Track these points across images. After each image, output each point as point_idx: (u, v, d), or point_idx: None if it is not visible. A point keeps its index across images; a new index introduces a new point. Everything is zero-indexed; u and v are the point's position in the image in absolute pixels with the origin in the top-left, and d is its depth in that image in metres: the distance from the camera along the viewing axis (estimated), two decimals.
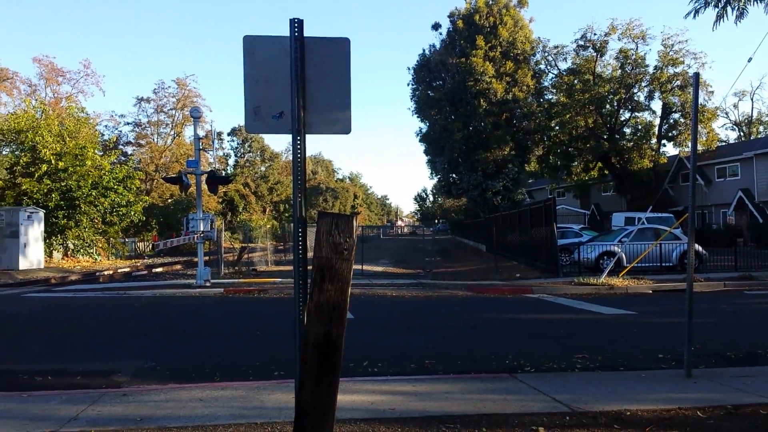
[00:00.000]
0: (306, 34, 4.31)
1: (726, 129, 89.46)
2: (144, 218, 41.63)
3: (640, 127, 44.19)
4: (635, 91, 43.44)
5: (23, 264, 26.63)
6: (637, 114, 44.57)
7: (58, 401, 5.67)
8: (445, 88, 43.45)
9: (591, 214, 49.50)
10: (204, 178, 19.37)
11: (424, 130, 47.34)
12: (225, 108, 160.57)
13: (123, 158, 49.07)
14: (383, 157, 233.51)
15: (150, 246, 44.02)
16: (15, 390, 6.13)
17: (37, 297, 16.86)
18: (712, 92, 45.60)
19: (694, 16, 12.70)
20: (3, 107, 46.14)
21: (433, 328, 10.81)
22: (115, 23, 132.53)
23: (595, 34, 43.14)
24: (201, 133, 20.23)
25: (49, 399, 5.76)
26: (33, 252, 27.82)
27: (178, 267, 32.72)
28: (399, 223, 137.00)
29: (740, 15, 12.14)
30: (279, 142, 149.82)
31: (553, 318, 12.00)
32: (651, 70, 42.65)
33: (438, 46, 45.63)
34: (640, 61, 42.69)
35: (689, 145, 39.67)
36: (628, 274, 18.64)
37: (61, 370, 7.19)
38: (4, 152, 34.52)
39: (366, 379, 6.56)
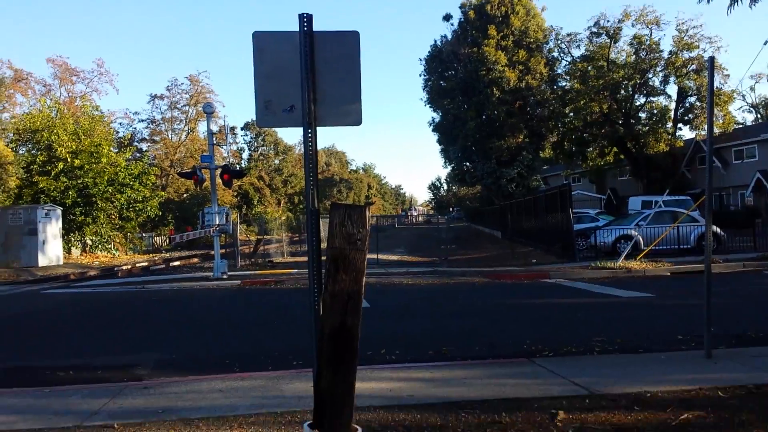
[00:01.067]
0: (315, 27, 4.32)
1: (743, 111, 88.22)
2: (160, 213, 42.01)
3: (655, 111, 43.75)
4: (650, 76, 43.00)
5: (42, 261, 26.99)
6: (652, 99, 44.12)
7: (80, 396, 5.74)
8: (457, 78, 43.25)
9: (607, 198, 49.14)
10: (218, 172, 19.47)
11: (436, 120, 47.22)
12: (238, 103, 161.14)
13: (138, 155, 49.42)
14: (396, 147, 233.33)
15: (167, 240, 44.38)
16: (38, 385, 6.22)
17: (56, 293, 17.08)
18: (728, 75, 45.09)
19: (708, 1, 12.50)
20: (19, 107, 46.62)
21: (450, 315, 10.81)
22: (128, 22, 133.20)
23: (608, 21, 42.71)
24: (214, 128, 20.34)
25: (71, 393, 5.85)
26: (51, 249, 28.17)
27: (195, 260, 33.01)
28: (413, 212, 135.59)
29: None
30: (292, 136, 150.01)
31: (570, 302, 11.95)
32: (666, 55, 42.22)
33: (449, 36, 45.43)
34: (654, 46, 42.20)
35: (705, 128, 39.32)
36: (645, 258, 18.50)
37: (83, 365, 7.29)
38: (20, 151, 34.91)
39: (384, 367, 6.60)
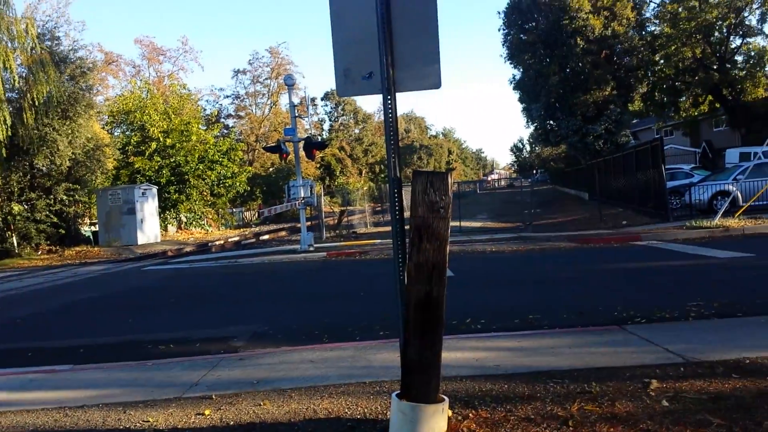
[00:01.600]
0: None
1: None
2: (249, 188, 43.36)
3: (753, 53, 40.65)
4: (746, 14, 39.84)
5: (141, 239, 28.50)
6: (749, 39, 40.98)
7: (180, 368, 6.06)
8: (538, 30, 41.69)
9: (702, 151, 46.52)
10: (301, 144, 19.82)
11: (517, 77, 45.88)
12: (317, 73, 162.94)
13: (225, 131, 51.03)
14: (477, 109, 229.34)
15: (256, 214, 45.86)
16: (140, 359, 6.59)
17: (156, 269, 18.05)
18: None
19: None
20: (111, 90, 48.98)
21: (536, 282, 10.64)
22: None
23: None
24: (296, 100, 20.72)
25: (171, 366, 6.17)
26: (149, 227, 29.68)
27: (283, 233, 33.97)
28: (491, 177, 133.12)
29: None
30: (371, 104, 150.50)
31: (663, 265, 11.48)
32: None
33: None
34: None
35: None
36: (744, 214, 17.48)
37: (182, 338, 7.68)
38: (116, 133, 36.77)
39: (470, 336, 6.58)
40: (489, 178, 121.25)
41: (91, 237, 29.89)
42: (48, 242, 26.76)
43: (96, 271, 18.70)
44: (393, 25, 4.24)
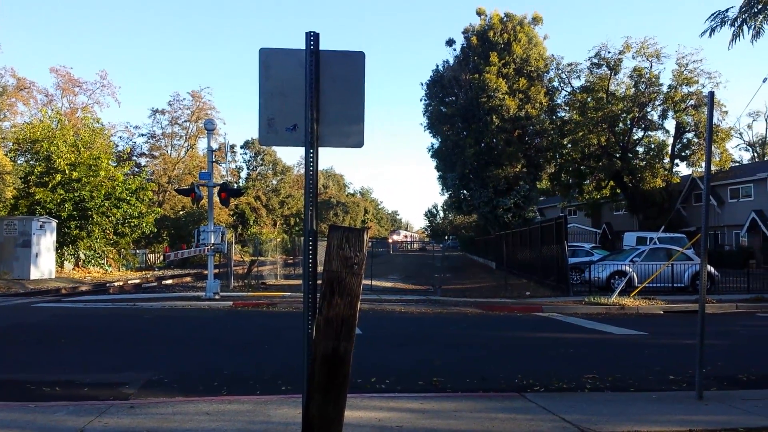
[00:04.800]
0: (321, 47, 4.34)
1: (740, 149, 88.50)
2: (155, 230, 41.85)
3: (653, 146, 44.04)
4: (649, 109, 43.31)
5: (35, 274, 26.81)
6: (650, 133, 44.43)
7: (66, 412, 5.66)
8: (458, 104, 43.54)
9: (602, 232, 49.23)
10: (216, 190, 19.45)
11: (436, 146, 47.42)
12: (238, 121, 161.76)
13: (136, 169, 49.40)
14: (394, 172, 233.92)
15: (161, 257, 44.23)
16: (23, 400, 6.14)
17: (47, 307, 16.94)
18: (726, 112, 45.09)
19: (710, 35, 12.63)
20: (19, 116, 46.62)
21: (442, 345, 10.75)
22: (132, 34, 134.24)
23: (609, 52, 43.08)
24: (214, 145, 20.38)
25: (56, 410, 5.76)
26: (44, 262, 28.01)
27: (188, 279, 32.82)
28: (394, 237, 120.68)
29: (756, 34, 12.06)
30: (291, 156, 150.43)
31: (562, 337, 11.90)
32: (665, 89, 42.53)
33: (452, 61, 45.74)
34: (654, 79, 42.58)
35: (702, 164, 39.48)
36: (639, 295, 18.47)
37: (69, 381, 7.20)
38: (19, 161, 34.86)
39: (374, 396, 6.52)
40: (392, 238, 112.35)
41: None
42: None
43: None
44: (321, 82, 4.34)
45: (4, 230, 27.02)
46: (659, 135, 44.59)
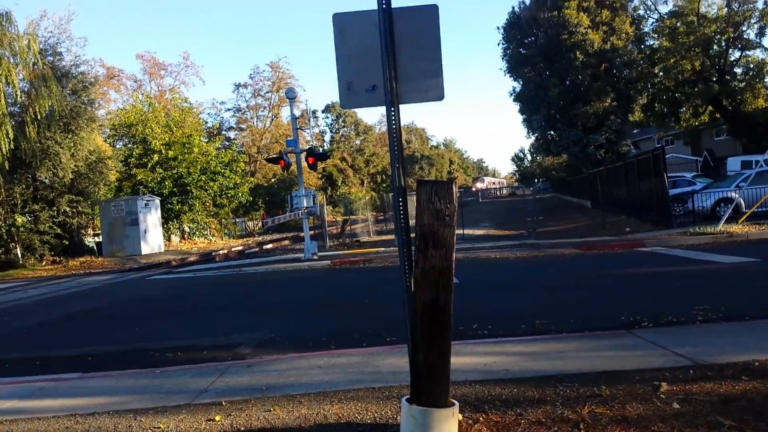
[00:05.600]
0: (394, 4, 4.30)
1: None
2: (251, 198, 43.45)
3: (752, 65, 40.83)
4: (744, 28, 40.06)
5: (145, 249, 28.54)
6: (747, 52, 41.16)
7: (189, 375, 6.08)
8: (537, 44, 41.95)
9: (704, 160, 46.49)
10: (303, 155, 19.89)
11: (517, 89, 46.11)
12: (318, 86, 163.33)
13: (227, 143, 51.19)
14: (478, 120, 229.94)
15: (259, 224, 45.92)
16: (149, 366, 6.62)
17: (160, 279, 18.08)
18: None
19: None
20: (113, 103, 49.17)
21: (541, 288, 10.65)
22: (209, 13, 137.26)
23: None
24: (297, 112, 20.76)
25: (180, 374, 6.19)
26: (153, 237, 29.74)
27: (287, 242, 34.00)
28: (478, 185, 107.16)
29: None
30: (371, 115, 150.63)
31: (668, 270, 11.49)
32: (760, 5, 39.09)
33: (528, 1, 44.00)
34: None
35: None
36: (747, 221, 17.49)
37: (190, 346, 7.70)
38: (118, 146, 36.92)
39: (477, 342, 6.59)
40: (475, 186, 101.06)
41: (95, 248, 29.95)
42: (52, 253, 26.82)
43: (100, 281, 18.73)
44: (396, 40, 4.31)
45: (112, 211, 28.83)
46: (758, 54, 41.27)
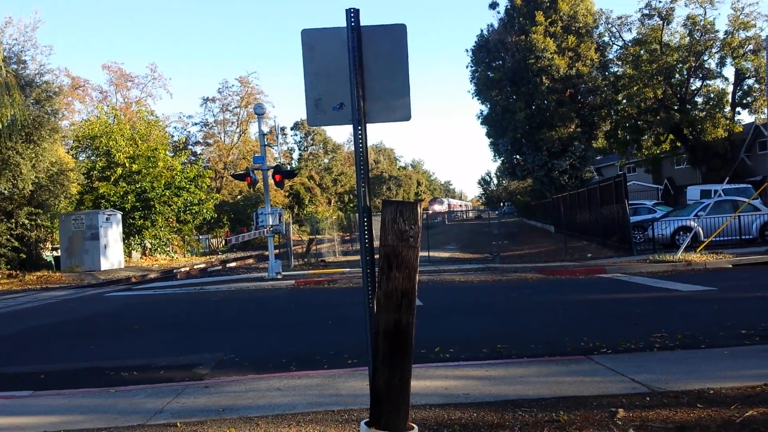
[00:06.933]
0: (362, 22, 4.33)
1: None
2: (216, 215, 42.91)
3: (712, 95, 42.14)
4: (705, 58, 41.43)
5: (104, 264, 27.91)
6: (708, 82, 42.52)
7: (144, 395, 5.93)
8: (505, 68, 42.65)
9: (664, 188, 47.75)
10: (270, 173, 19.78)
11: (485, 113, 46.69)
12: (287, 103, 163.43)
13: (193, 158, 50.65)
14: (445, 142, 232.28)
15: (223, 242, 45.34)
16: (103, 386, 6.44)
17: (119, 296, 17.67)
18: None
19: None
20: (77, 114, 48.27)
21: (504, 312, 10.72)
22: (178, 26, 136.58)
23: (660, 2, 41.31)
24: (265, 129, 20.69)
25: (135, 393, 6.04)
26: (113, 253, 29.10)
27: (251, 261, 33.63)
28: (435, 207, 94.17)
29: None
30: (341, 134, 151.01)
31: (628, 297, 11.68)
32: (721, 35, 40.58)
33: (496, 25, 44.77)
34: (709, 26, 40.65)
35: (765, 111, 37.66)
36: (706, 249, 17.92)
37: (146, 366, 7.52)
38: (80, 158, 36.18)
39: (438, 365, 6.58)
40: (433, 209, 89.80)
41: (53, 262, 29.18)
42: (8, 266, 26.03)
43: (58, 296, 18.22)
44: (364, 59, 4.33)
45: (72, 225, 28.18)
46: (718, 83, 42.65)
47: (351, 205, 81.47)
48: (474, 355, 7.04)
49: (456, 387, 5.56)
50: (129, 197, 34.14)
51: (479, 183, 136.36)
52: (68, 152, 33.65)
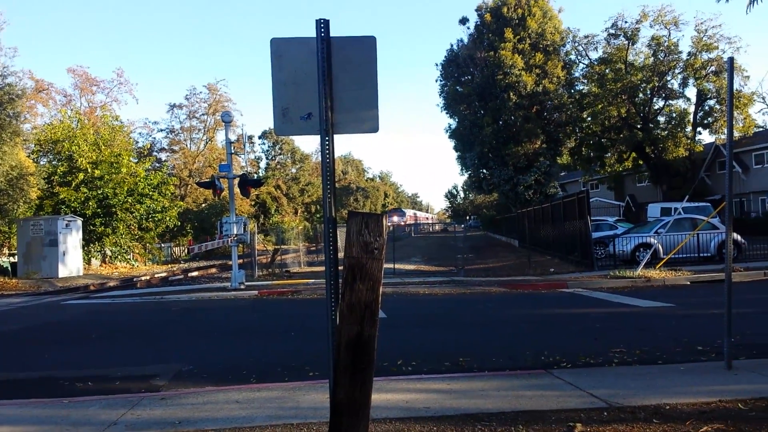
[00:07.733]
0: (332, 33, 4.33)
1: (763, 114, 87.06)
2: (179, 223, 42.24)
3: (674, 115, 43.33)
4: (669, 78, 42.61)
5: (63, 272, 27.23)
6: (671, 102, 43.74)
7: (98, 406, 5.79)
8: (473, 83, 43.18)
9: (626, 205, 48.72)
10: (236, 181, 19.57)
11: (453, 126, 47.14)
12: (256, 111, 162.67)
13: (157, 165, 49.84)
14: (413, 155, 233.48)
15: (185, 250, 44.68)
16: (56, 396, 6.28)
17: (76, 304, 17.25)
18: (748, 77, 44.24)
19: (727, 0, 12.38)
20: (40, 118, 47.17)
21: (467, 326, 10.76)
22: (146, 31, 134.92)
23: (626, 22, 42.47)
24: (233, 137, 20.45)
25: (89, 404, 5.89)
26: (72, 260, 28.41)
27: (214, 270, 33.15)
28: (395, 218, 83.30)
29: None
30: (309, 144, 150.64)
31: (588, 312, 11.85)
32: (684, 56, 41.84)
33: (466, 40, 45.35)
34: (672, 47, 41.85)
35: (725, 131, 38.76)
36: (665, 266, 18.29)
37: (101, 376, 7.34)
38: (41, 162, 35.32)
39: (400, 378, 6.57)
40: (392, 221, 77.06)
41: (9, 268, 28.34)
42: None
43: (13, 303, 17.70)
44: (333, 69, 4.33)
45: (30, 230, 27.45)
46: (680, 104, 43.92)
47: (318, 215, 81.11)
48: (436, 368, 7.04)
49: (417, 400, 5.55)
50: (90, 203, 33.41)
51: (446, 196, 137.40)
52: (29, 156, 32.81)
